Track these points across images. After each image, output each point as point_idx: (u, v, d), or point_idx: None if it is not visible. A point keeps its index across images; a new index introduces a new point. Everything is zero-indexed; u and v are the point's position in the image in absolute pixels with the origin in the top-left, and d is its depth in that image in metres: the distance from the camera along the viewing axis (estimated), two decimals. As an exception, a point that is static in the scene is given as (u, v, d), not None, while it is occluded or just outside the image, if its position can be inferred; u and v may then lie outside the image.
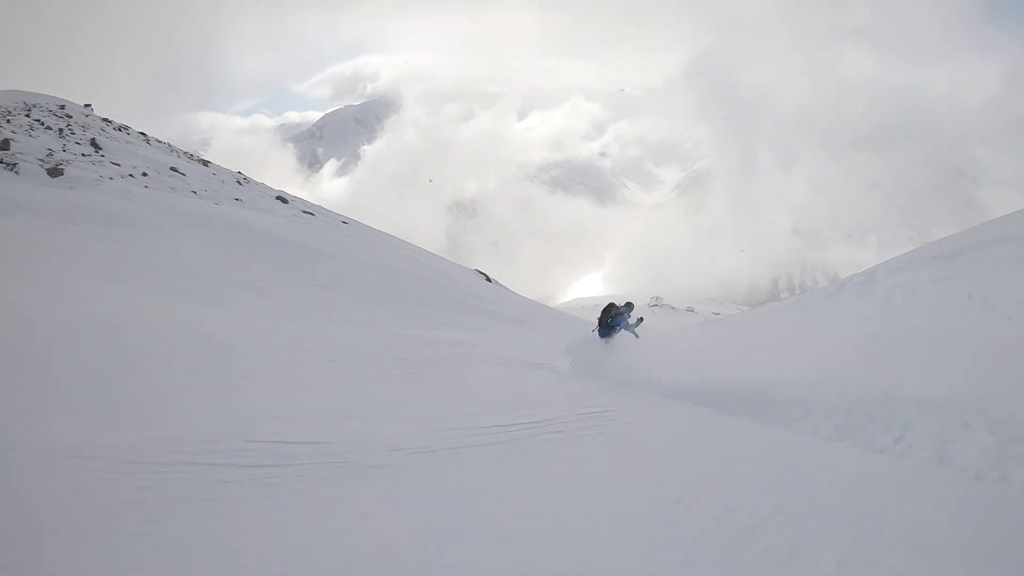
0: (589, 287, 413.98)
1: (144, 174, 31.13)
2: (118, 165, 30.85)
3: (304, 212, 36.34)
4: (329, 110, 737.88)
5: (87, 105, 43.66)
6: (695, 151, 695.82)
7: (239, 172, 41.89)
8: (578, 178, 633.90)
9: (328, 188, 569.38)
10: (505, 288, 46.65)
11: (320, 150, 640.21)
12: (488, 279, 47.01)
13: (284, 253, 24.91)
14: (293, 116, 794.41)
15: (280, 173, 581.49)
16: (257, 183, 41.90)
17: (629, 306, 18.06)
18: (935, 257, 29.74)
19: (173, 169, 34.33)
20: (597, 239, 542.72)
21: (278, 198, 37.42)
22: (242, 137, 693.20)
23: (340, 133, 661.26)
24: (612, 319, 17.51)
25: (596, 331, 17.81)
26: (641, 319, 17.99)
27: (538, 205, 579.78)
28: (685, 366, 18.69)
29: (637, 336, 17.95)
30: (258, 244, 24.92)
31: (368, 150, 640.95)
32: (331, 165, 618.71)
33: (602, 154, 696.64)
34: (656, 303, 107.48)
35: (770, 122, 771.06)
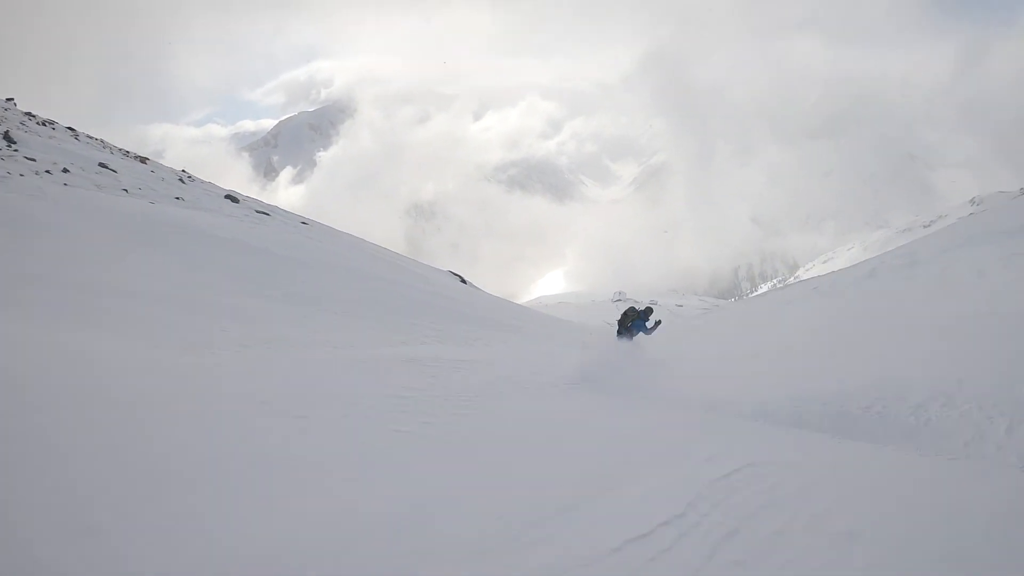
0: (551, 285, 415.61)
1: (65, 170, 26.06)
2: (33, 160, 25.74)
3: (258, 212, 31.46)
4: (283, 117, 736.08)
5: (9, 99, 38.25)
6: (651, 145, 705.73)
7: (183, 170, 36.75)
8: (535, 176, 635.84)
9: (285, 196, 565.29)
10: (480, 290, 42.65)
11: (275, 158, 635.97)
12: (463, 280, 42.88)
13: (234, 257, 20.15)
14: (247, 124, 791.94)
15: (236, 182, 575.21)
16: (204, 182, 36.87)
17: (648, 310, 17.29)
18: (986, 234, 25.87)
19: (102, 165, 29.16)
20: (557, 236, 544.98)
21: (227, 197, 32.41)
22: (196, 147, 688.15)
23: (295, 140, 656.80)
24: (633, 324, 16.78)
25: (618, 333, 16.95)
26: (659, 322, 17.01)
27: (497, 205, 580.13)
28: (746, 377, 14.66)
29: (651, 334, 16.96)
30: (202, 247, 20.15)
31: (324, 156, 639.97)
32: (287, 173, 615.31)
33: (559, 153, 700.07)
34: (619, 298, 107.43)
35: (725, 114, 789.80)
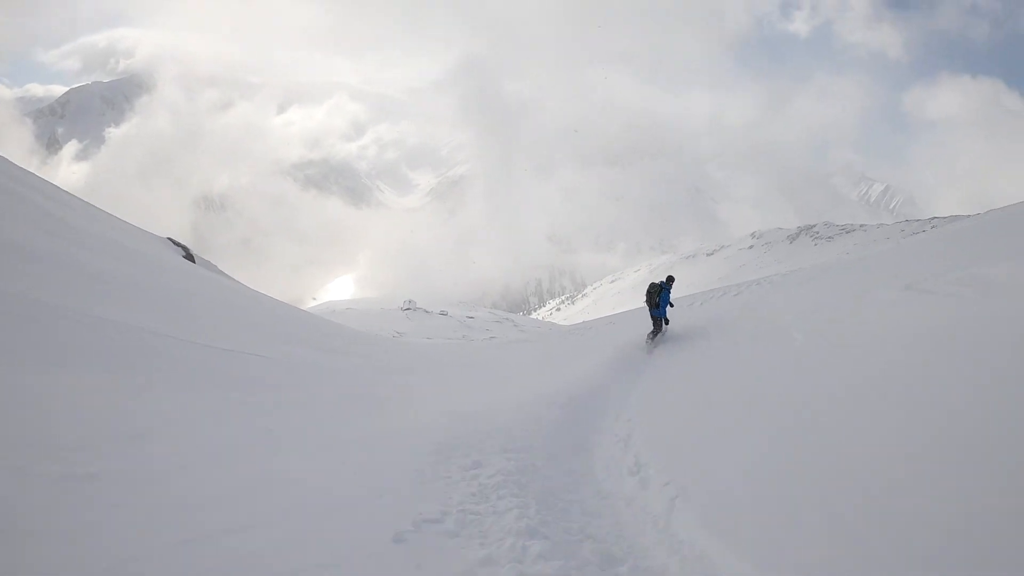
0: (341, 290, 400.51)
1: None
2: None
3: None
4: (75, 85, 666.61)
5: None
6: (452, 157, 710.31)
7: None
8: (333, 178, 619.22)
9: (66, 173, 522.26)
10: (227, 276, 26.17)
11: (61, 130, 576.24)
12: (189, 256, 25.95)
13: None
14: (36, 89, 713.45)
15: (13, 153, 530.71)
16: None
17: (670, 279, 17.39)
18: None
19: None
20: (350, 241, 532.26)
21: None
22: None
23: (84, 112, 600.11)
24: (660, 297, 16.75)
25: (651, 315, 17.12)
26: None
27: (291, 203, 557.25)
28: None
29: (672, 305, 17.45)
30: None
31: (114, 133, 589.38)
32: (72, 147, 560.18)
33: (359, 156, 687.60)
34: (409, 307, 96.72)
35: (530, 131, 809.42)
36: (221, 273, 31.83)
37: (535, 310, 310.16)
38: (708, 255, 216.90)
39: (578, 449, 9.54)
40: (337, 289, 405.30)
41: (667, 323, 17.09)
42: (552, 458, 8.70)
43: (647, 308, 17.21)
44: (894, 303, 10.97)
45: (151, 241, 25.99)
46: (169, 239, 29.50)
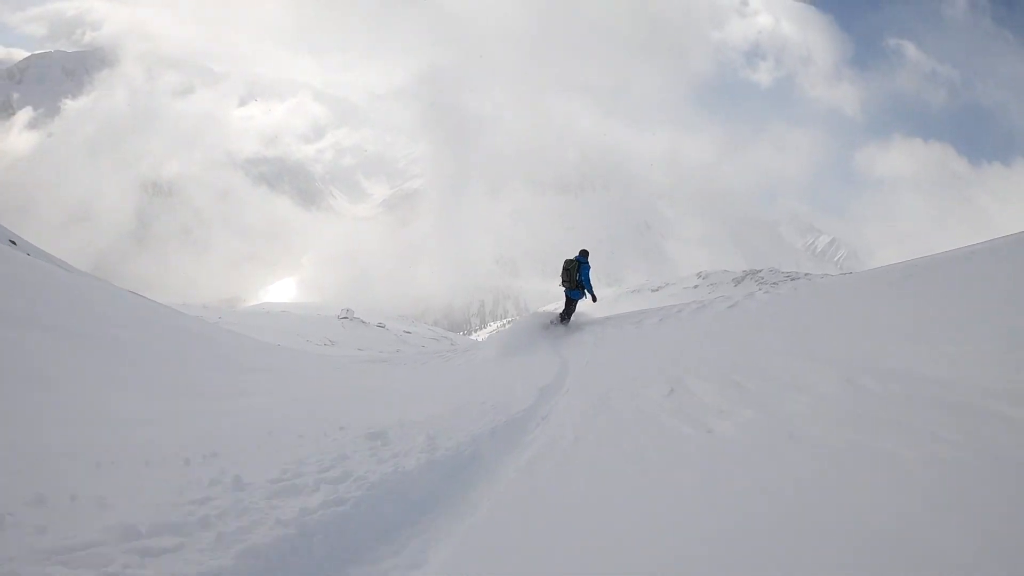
0: (281, 291, 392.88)
1: None
2: None
3: None
4: (37, 51, 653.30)
5: None
6: (408, 170, 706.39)
7: None
8: (286, 177, 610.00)
9: (16, 140, 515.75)
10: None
11: (16, 95, 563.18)
12: None
13: None
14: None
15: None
16: None
17: (584, 253, 16.33)
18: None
19: None
20: (296, 243, 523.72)
21: None
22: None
23: (43, 80, 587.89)
24: (580, 274, 15.65)
25: (567, 293, 15.96)
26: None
27: (240, 197, 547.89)
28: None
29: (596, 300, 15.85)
30: None
31: (71, 105, 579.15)
32: (25, 114, 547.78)
33: (315, 159, 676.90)
34: (346, 315, 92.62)
35: (487, 151, 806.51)
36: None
37: (476, 331, 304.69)
38: (653, 291, 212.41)
39: None
40: (278, 291, 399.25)
41: (579, 296, 16.10)
42: None
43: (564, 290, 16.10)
44: None
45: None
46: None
